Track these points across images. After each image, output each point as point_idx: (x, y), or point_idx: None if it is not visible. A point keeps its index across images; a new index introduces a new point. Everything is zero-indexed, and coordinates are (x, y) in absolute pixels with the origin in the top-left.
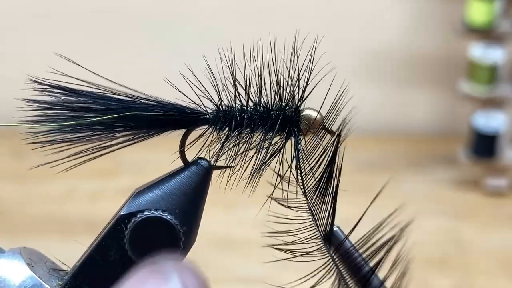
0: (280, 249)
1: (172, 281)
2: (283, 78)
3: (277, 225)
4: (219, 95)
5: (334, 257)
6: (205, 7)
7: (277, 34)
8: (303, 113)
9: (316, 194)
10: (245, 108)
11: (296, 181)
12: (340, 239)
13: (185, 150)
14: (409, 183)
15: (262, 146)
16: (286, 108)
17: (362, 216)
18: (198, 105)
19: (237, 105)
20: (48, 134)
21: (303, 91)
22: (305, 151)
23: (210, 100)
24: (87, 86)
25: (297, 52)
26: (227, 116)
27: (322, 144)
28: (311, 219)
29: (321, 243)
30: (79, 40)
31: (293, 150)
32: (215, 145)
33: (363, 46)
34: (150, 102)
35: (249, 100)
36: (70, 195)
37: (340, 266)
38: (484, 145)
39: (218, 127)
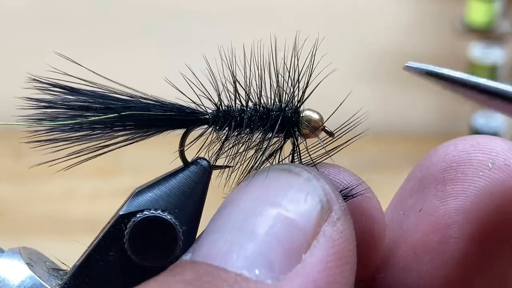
0: None
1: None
2: (283, 78)
3: None
4: (219, 95)
5: None
6: (205, 6)
7: (278, 34)
8: (303, 114)
9: None
10: (245, 108)
11: None
12: None
13: (185, 150)
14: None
15: (261, 147)
16: (286, 109)
17: None
18: (198, 105)
19: (237, 105)
20: (48, 132)
21: (303, 92)
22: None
23: (210, 100)
24: (87, 85)
25: (297, 52)
26: (226, 116)
27: (322, 145)
28: None
29: None
30: (79, 39)
31: (292, 151)
32: (215, 145)
33: (363, 46)
34: (150, 101)
35: (249, 101)
36: (70, 195)
37: None
38: None
39: (217, 127)
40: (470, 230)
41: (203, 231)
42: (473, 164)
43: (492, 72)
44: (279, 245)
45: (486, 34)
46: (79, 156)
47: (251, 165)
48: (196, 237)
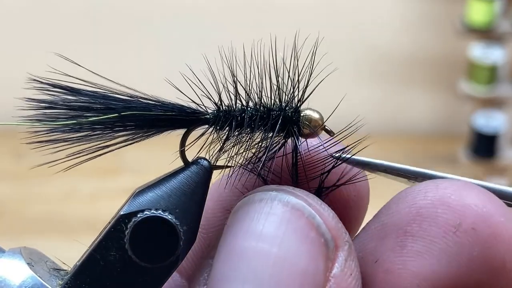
0: None
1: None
2: (283, 78)
3: None
4: (219, 95)
5: None
6: (205, 7)
7: (278, 34)
8: (303, 114)
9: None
10: (245, 108)
11: (292, 181)
12: None
13: (185, 150)
14: (409, 183)
15: (262, 146)
16: (286, 108)
17: None
18: (198, 105)
19: (237, 105)
20: (48, 133)
21: (304, 92)
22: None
23: (210, 100)
24: (87, 86)
25: (297, 52)
26: (227, 116)
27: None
28: None
29: None
30: (79, 39)
31: (292, 151)
32: (215, 145)
33: (364, 46)
34: (150, 101)
35: (250, 100)
36: (70, 195)
37: None
38: (484, 145)
39: (218, 127)
40: None
41: (210, 258)
42: (438, 222)
43: (492, 72)
44: None
45: (486, 34)
46: (80, 156)
47: (251, 164)
48: (202, 263)
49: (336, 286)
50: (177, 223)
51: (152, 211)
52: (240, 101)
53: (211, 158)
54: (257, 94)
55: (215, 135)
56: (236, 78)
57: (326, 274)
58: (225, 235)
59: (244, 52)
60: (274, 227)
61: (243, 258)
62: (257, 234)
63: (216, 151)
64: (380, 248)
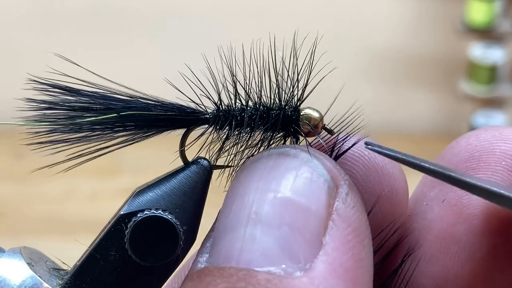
0: None
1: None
2: (283, 77)
3: None
4: (219, 94)
5: None
6: (205, 6)
7: (278, 34)
8: (303, 113)
9: None
10: (245, 107)
11: None
12: None
13: (185, 149)
14: (410, 183)
15: (261, 145)
16: (286, 107)
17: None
18: (198, 104)
19: (237, 104)
20: (48, 134)
21: (303, 91)
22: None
23: (210, 100)
24: (87, 86)
25: (296, 51)
26: (227, 115)
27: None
28: None
29: None
30: (79, 39)
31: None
32: (215, 145)
33: (363, 46)
34: (150, 101)
35: (249, 100)
36: (70, 195)
37: None
38: None
39: (218, 127)
40: (495, 222)
41: (212, 230)
42: (495, 153)
43: (492, 72)
44: (298, 234)
45: (486, 34)
46: (79, 157)
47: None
48: (205, 237)
49: (338, 217)
50: (177, 223)
51: (152, 211)
52: (240, 100)
53: (211, 157)
54: (256, 94)
55: (215, 135)
56: (236, 78)
57: (329, 209)
58: (229, 191)
59: (243, 51)
60: (275, 174)
61: (244, 203)
62: (256, 179)
63: (216, 151)
64: (444, 190)
